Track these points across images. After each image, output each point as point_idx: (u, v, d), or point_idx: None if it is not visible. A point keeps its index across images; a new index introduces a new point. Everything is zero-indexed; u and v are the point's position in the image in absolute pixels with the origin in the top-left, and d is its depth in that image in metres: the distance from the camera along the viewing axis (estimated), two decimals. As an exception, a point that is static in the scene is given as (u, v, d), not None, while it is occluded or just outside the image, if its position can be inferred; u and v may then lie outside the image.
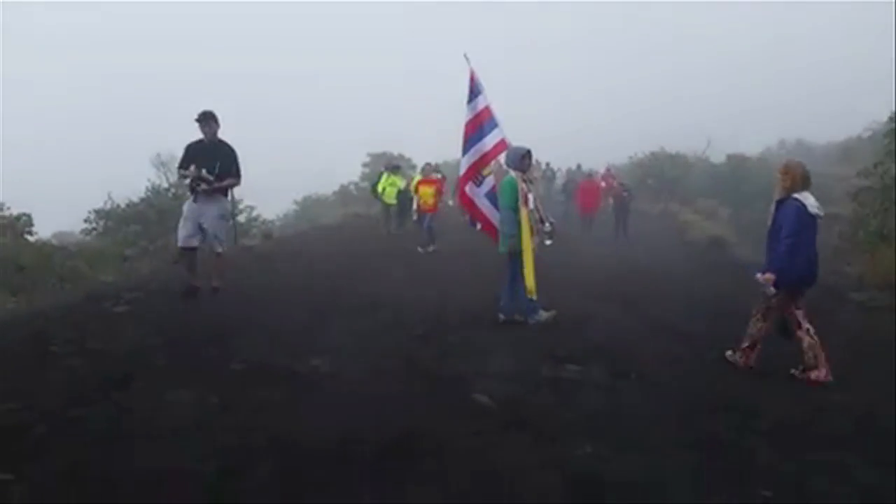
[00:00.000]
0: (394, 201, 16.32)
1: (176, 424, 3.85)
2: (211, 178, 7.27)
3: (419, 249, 13.11)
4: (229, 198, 8.06)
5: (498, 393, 4.52)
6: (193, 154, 7.45)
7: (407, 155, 31.83)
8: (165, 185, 18.85)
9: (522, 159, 6.78)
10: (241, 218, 16.91)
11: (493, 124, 7.13)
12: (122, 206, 17.17)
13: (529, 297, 6.62)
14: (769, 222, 5.49)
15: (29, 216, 13.76)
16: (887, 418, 4.29)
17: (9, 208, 13.99)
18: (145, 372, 4.81)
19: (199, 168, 7.26)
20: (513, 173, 6.78)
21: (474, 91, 7.23)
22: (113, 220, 16.78)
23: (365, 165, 33.61)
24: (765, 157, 33.48)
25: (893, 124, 11.80)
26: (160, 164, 19.61)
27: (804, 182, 5.34)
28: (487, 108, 7.17)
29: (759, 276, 5.27)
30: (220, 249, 7.62)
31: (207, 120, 7.35)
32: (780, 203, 5.38)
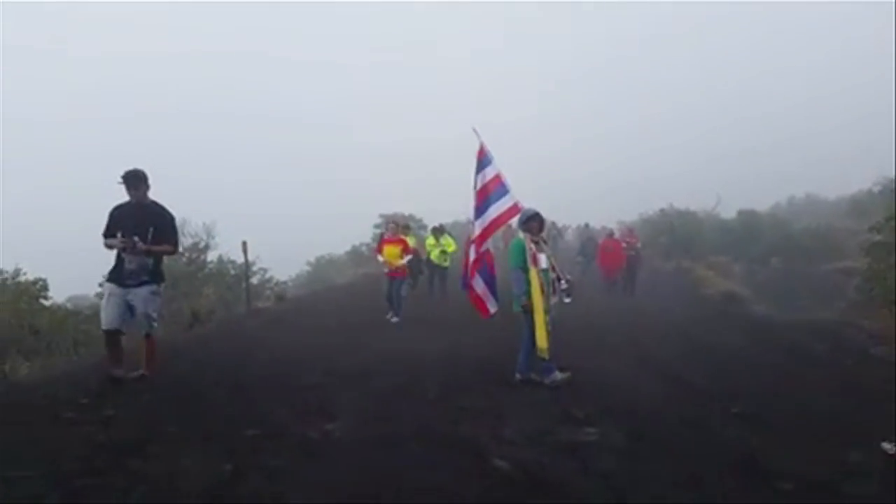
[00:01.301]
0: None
1: (189, 494, 3.80)
2: (141, 245, 6.23)
3: (392, 319, 11.68)
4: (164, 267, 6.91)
5: (516, 458, 4.43)
6: (120, 218, 6.38)
7: (418, 216, 32.04)
8: (179, 249, 18.99)
9: (528, 221, 6.86)
10: (255, 280, 16.97)
11: (503, 191, 7.25)
12: (136, 270, 17.30)
13: (542, 356, 6.58)
14: None
15: (44, 281, 13.87)
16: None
17: (24, 273, 14.13)
18: (159, 438, 4.78)
19: (128, 235, 6.21)
20: (521, 235, 6.88)
21: (483, 162, 7.42)
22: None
23: (377, 226, 33.87)
24: (774, 213, 33.55)
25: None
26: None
27: None
28: (497, 177, 7.31)
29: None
30: (150, 331, 6.48)
31: (136, 182, 6.32)
32: None
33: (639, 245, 18.46)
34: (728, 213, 30.48)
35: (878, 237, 11.84)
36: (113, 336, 6.37)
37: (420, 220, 31.14)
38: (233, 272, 18.24)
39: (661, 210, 30.29)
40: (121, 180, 6.27)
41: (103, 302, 6.45)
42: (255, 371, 7.21)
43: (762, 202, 36.10)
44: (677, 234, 26.18)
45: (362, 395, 6.21)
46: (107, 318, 6.32)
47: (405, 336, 9.82)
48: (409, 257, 11.64)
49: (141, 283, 6.33)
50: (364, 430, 5.13)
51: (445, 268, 15.37)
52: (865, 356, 8.58)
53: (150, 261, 6.41)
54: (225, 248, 19.20)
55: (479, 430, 5.10)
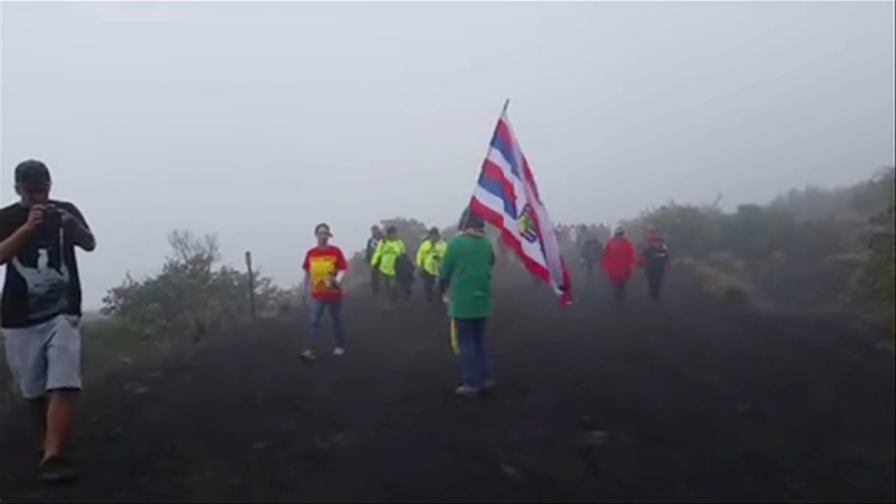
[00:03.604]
0: (392, 272, 14.34)
1: (200, 509, 3.82)
2: (66, 214, 4.29)
3: (306, 354, 8.59)
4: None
5: (526, 464, 4.44)
6: (10, 226, 4.20)
7: (419, 220, 32.00)
8: (182, 261, 19.06)
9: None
10: (258, 290, 17.01)
11: (487, 181, 6.70)
12: (141, 283, 17.36)
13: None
14: None
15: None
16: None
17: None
18: (168, 454, 4.79)
19: (33, 248, 4.26)
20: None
21: (500, 142, 6.76)
22: (132, 299, 16.95)
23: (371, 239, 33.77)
24: (776, 207, 33.49)
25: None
26: (176, 242, 19.85)
27: None
28: (493, 165, 6.72)
29: None
30: (72, 384, 4.27)
31: (40, 178, 4.31)
32: None
33: (665, 246, 16.01)
34: (729, 208, 30.47)
35: (880, 229, 11.82)
36: (41, 405, 4.35)
37: (421, 225, 31.08)
38: (236, 283, 18.28)
39: (662, 207, 30.25)
40: (20, 180, 4.28)
41: (11, 357, 4.39)
42: (261, 382, 7.22)
43: (763, 196, 36.06)
44: (679, 231, 26.15)
45: (369, 404, 6.22)
46: (28, 382, 4.34)
47: (409, 345, 9.82)
48: (341, 274, 9.00)
49: (48, 317, 4.31)
50: (372, 438, 5.14)
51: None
52: (871, 350, 8.57)
53: (65, 276, 4.41)
54: (228, 260, 19.27)
55: (486, 437, 5.10)
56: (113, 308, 17.06)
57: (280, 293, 19.98)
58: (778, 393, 6.48)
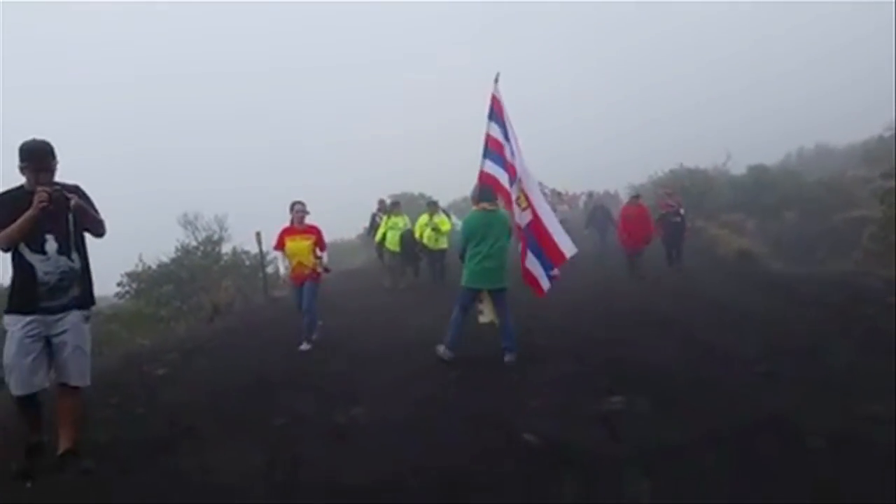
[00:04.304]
0: (398, 248, 13.59)
1: (223, 487, 3.87)
2: (75, 198, 4.16)
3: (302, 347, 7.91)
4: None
5: (544, 430, 4.47)
6: (15, 209, 4.05)
7: (428, 193, 31.86)
8: (194, 243, 19.11)
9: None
10: (270, 269, 17.02)
11: (490, 153, 6.72)
12: (154, 266, 17.43)
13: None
14: None
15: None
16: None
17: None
18: (189, 434, 4.86)
19: (40, 233, 4.08)
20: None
21: (495, 116, 6.76)
22: (145, 282, 17.02)
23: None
24: (785, 165, 33.18)
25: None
26: (187, 224, 19.86)
27: None
28: (493, 139, 6.71)
29: None
30: (82, 383, 4.29)
31: (45, 157, 4.13)
32: None
33: (682, 210, 14.87)
34: (738, 168, 30.18)
35: (891, 183, 11.71)
36: (31, 401, 4.19)
37: (430, 197, 30.87)
38: (248, 263, 18.30)
39: (671, 170, 29.99)
40: (25, 160, 4.08)
41: (9, 348, 4.10)
42: (276, 361, 7.26)
43: (772, 155, 35.72)
44: (689, 193, 25.98)
45: (385, 379, 6.25)
46: (23, 378, 4.06)
47: (419, 320, 9.84)
48: (324, 255, 8.24)
49: (66, 307, 4.19)
50: (390, 412, 5.18)
51: (440, 250, 13.43)
52: (885, 306, 8.52)
53: (77, 263, 4.25)
54: (238, 240, 19.27)
55: (504, 406, 5.13)
56: (127, 292, 17.15)
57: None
58: (793, 353, 6.47)
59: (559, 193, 28.45)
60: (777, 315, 8.58)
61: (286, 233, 8.16)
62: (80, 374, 4.24)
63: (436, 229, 13.14)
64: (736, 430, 4.38)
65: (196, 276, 16.66)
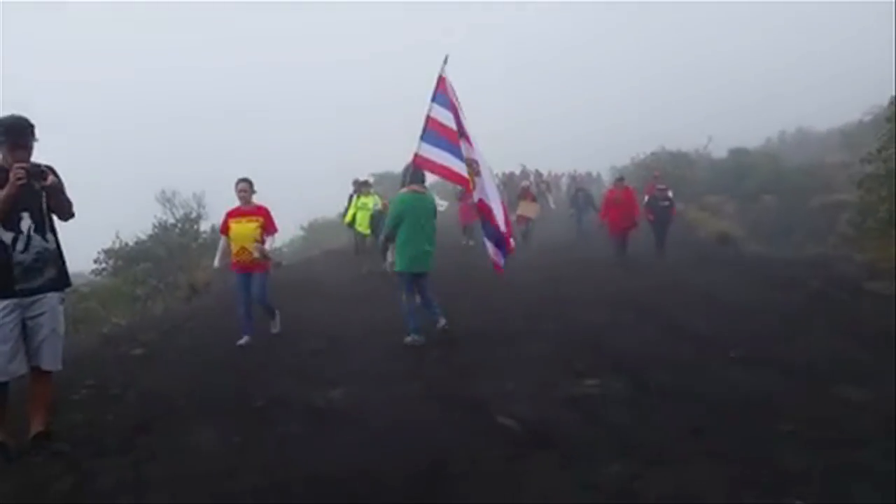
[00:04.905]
0: (368, 231, 12.85)
1: (201, 468, 3.86)
2: (52, 177, 4.04)
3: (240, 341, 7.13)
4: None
5: (520, 413, 4.50)
6: None
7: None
8: (172, 220, 18.93)
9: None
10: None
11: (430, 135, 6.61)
12: (131, 244, 17.27)
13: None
14: None
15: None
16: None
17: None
18: (167, 415, 4.84)
19: (15, 211, 3.95)
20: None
21: (441, 99, 6.65)
22: (122, 259, 16.87)
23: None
24: (766, 150, 33.42)
25: (895, 107, 11.76)
26: (165, 201, 19.66)
27: None
28: (434, 120, 6.61)
29: None
30: (54, 367, 4.20)
31: (24, 133, 4.01)
32: None
33: (670, 194, 14.57)
34: (719, 151, 30.39)
35: (869, 168, 11.81)
36: (3, 388, 4.04)
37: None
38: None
39: (653, 153, 30.15)
40: (2, 135, 3.94)
41: None
42: (256, 341, 7.23)
43: (754, 139, 35.95)
44: (670, 176, 26.13)
45: (362, 360, 6.26)
46: (2, 365, 3.92)
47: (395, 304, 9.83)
48: (271, 240, 7.42)
49: (42, 289, 4.08)
50: (368, 393, 5.19)
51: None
52: (859, 291, 8.67)
53: (51, 244, 4.15)
54: (216, 218, 19.11)
55: (481, 388, 5.17)
56: (104, 269, 17.00)
57: (272, 250, 19.90)
58: (769, 337, 6.57)
59: (542, 175, 28.48)
60: (754, 299, 8.68)
61: (231, 215, 7.36)
62: (53, 359, 4.16)
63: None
64: (708, 413, 4.45)
65: (174, 254, 16.52)
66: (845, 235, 13.62)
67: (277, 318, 7.69)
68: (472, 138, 6.72)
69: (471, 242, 15.74)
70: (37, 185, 3.99)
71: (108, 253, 17.07)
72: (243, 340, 7.09)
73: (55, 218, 4.23)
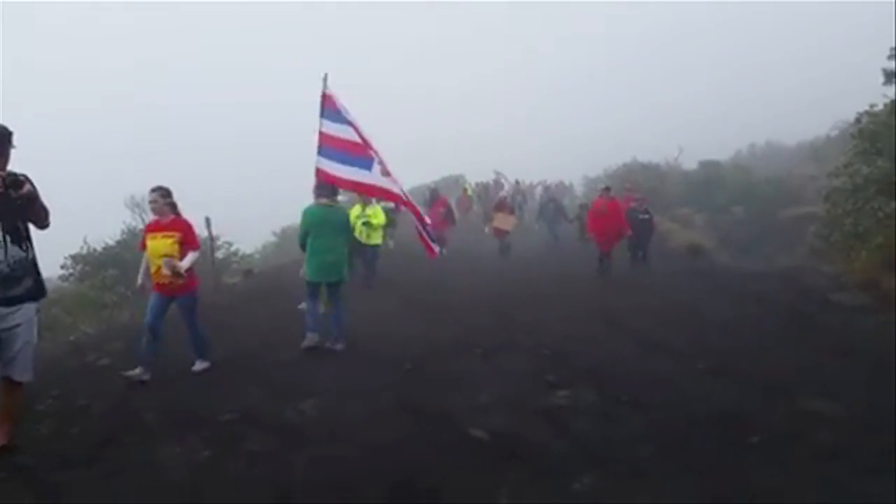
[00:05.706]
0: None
1: (170, 483, 3.80)
2: (28, 186, 3.92)
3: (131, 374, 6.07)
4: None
5: (492, 426, 4.51)
6: None
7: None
8: (141, 225, 18.65)
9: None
10: (220, 254, 16.72)
11: (368, 164, 7.12)
12: (98, 249, 16.97)
13: None
14: None
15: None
16: (875, 425, 4.34)
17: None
18: (135, 428, 4.75)
19: None
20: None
21: (330, 113, 7.06)
22: (90, 265, 16.57)
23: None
24: (737, 162, 33.95)
25: (860, 124, 12.04)
26: (134, 206, 19.36)
27: None
28: (357, 145, 7.08)
29: None
30: (26, 378, 4.18)
31: (2, 142, 3.95)
32: None
33: (647, 206, 14.34)
34: (691, 164, 30.79)
35: (835, 182, 12.08)
36: None
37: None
38: (197, 248, 17.96)
39: (625, 164, 30.49)
40: None
41: None
42: (227, 352, 7.13)
43: (724, 152, 36.51)
44: (642, 188, 26.42)
45: (335, 372, 6.21)
46: None
47: (377, 311, 9.80)
48: (190, 258, 6.22)
49: (20, 299, 4.05)
50: (340, 406, 5.15)
51: (373, 246, 12.05)
52: (826, 303, 8.82)
53: (28, 253, 4.11)
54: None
55: (453, 401, 5.16)
56: (71, 275, 16.68)
57: (242, 256, 19.71)
58: (739, 350, 6.64)
59: (519, 185, 28.70)
60: (722, 310, 8.79)
61: (148, 229, 6.55)
62: (26, 369, 4.12)
63: (367, 223, 11.86)
64: (678, 425, 4.50)
65: (141, 260, 16.26)
66: (813, 247, 13.89)
67: (207, 352, 6.54)
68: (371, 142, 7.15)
69: (444, 251, 15.74)
70: (13, 194, 3.90)
71: (76, 258, 16.76)
72: (136, 371, 6.04)
73: (31, 227, 4.16)
